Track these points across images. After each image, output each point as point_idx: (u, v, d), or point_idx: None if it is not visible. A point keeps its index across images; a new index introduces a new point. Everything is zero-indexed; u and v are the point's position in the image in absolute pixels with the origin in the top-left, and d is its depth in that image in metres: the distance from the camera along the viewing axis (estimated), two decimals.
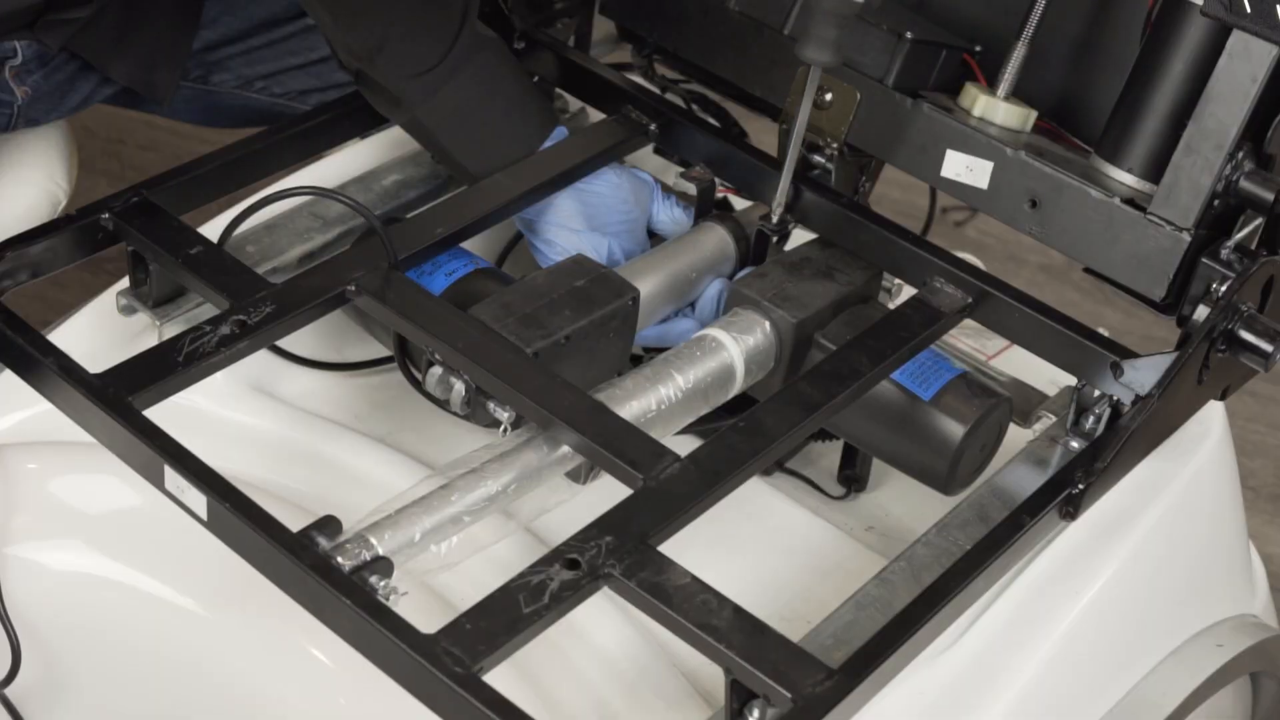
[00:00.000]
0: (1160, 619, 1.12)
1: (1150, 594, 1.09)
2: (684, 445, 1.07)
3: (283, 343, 1.15)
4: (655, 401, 1.03)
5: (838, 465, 1.22)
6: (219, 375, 1.00)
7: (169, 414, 0.95)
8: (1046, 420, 1.10)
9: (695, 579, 0.88)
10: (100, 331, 1.13)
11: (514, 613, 0.85)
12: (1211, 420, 1.11)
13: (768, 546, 1.17)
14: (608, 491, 0.96)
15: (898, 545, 1.17)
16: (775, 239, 1.16)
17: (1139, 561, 1.05)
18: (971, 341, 1.32)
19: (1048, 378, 1.24)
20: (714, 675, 1.05)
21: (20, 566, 1.09)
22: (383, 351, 1.23)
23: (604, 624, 1.04)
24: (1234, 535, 1.19)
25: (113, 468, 1.07)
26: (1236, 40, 1.02)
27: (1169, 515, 1.07)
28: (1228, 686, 1.17)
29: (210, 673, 1.07)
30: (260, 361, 1.16)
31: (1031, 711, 1.01)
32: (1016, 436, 1.12)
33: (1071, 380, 1.27)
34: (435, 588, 1.05)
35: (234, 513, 0.88)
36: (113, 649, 1.09)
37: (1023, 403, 1.12)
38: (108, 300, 1.13)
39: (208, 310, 1.09)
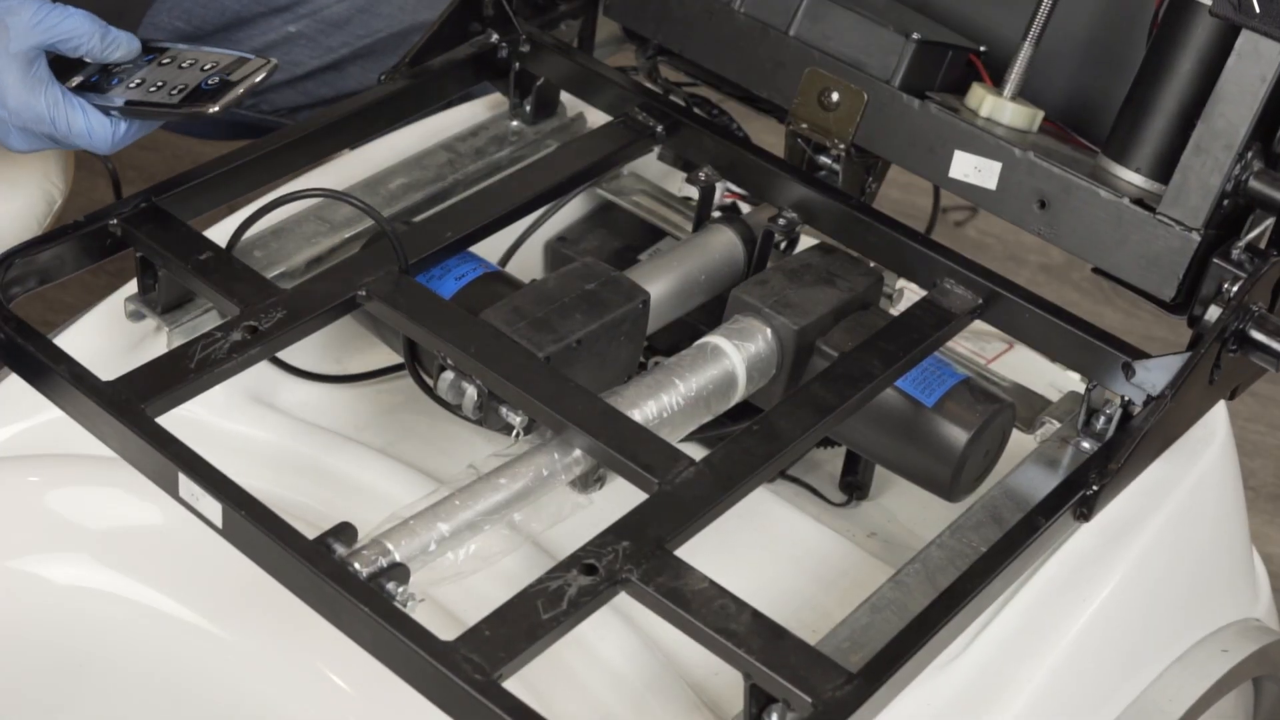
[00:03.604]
0: (1166, 624, 1.12)
1: (1157, 599, 1.09)
2: (687, 453, 1.07)
3: (283, 353, 1.14)
4: (658, 409, 1.02)
5: (839, 472, 1.22)
6: (218, 386, 1.00)
7: (169, 425, 0.94)
8: (1050, 426, 1.10)
9: (713, 583, 0.88)
10: (105, 337, 1.13)
11: (533, 619, 0.85)
12: (1216, 422, 1.11)
13: (772, 554, 1.16)
14: (607, 501, 0.97)
15: (901, 552, 1.17)
16: (783, 245, 1.15)
17: (1146, 566, 1.05)
18: (970, 345, 1.32)
19: (1047, 381, 1.24)
20: (721, 685, 1.06)
21: (22, 580, 1.08)
22: (384, 361, 1.22)
23: (608, 636, 1.04)
24: (1237, 538, 1.19)
25: (117, 480, 1.06)
26: (1245, 40, 1.02)
27: (1175, 519, 1.07)
28: (1231, 691, 1.17)
29: (220, 693, 1.06)
30: (259, 371, 1.16)
31: None
32: (1019, 442, 1.12)
33: (1073, 383, 1.27)
34: (438, 599, 1.04)
35: (250, 520, 0.88)
36: (118, 666, 1.08)
37: (1025, 408, 1.12)
38: (112, 305, 1.13)
39: (215, 316, 1.09)
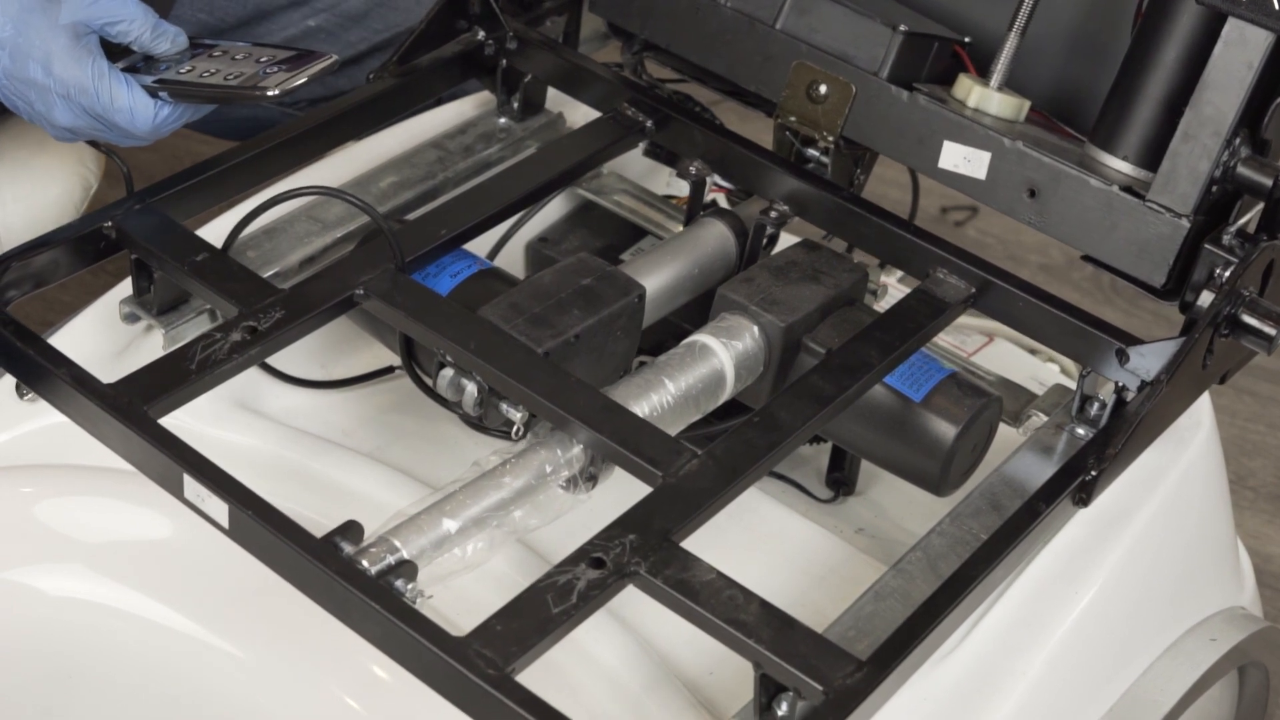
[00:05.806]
0: (1158, 613, 1.13)
1: (1149, 588, 1.10)
2: None
3: (269, 357, 1.14)
4: (649, 408, 1.02)
5: (826, 468, 1.22)
6: (206, 393, 0.99)
7: None
8: (1037, 419, 1.11)
9: (721, 574, 0.89)
10: (97, 340, 1.12)
11: (543, 613, 0.85)
12: (1201, 411, 1.12)
13: (761, 551, 1.16)
14: (601, 496, 0.97)
15: (889, 547, 1.17)
16: (765, 241, 1.16)
17: (1139, 555, 1.06)
18: (951, 338, 1.32)
19: (1028, 373, 1.25)
20: (717, 685, 1.05)
21: (14, 591, 1.07)
22: (369, 364, 1.22)
23: (603, 638, 1.04)
24: (1224, 526, 1.20)
25: (111, 490, 1.06)
26: (1232, 28, 1.03)
27: (1166, 507, 1.08)
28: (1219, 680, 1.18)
29: (215, 703, 1.06)
30: (246, 377, 1.15)
31: (1034, 715, 1.01)
32: (1005, 437, 1.12)
33: (1054, 375, 1.28)
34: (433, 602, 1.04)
35: (257, 520, 0.88)
36: (111, 677, 1.07)
37: (1011, 401, 1.13)
38: (102, 308, 1.12)
39: (209, 318, 1.08)
